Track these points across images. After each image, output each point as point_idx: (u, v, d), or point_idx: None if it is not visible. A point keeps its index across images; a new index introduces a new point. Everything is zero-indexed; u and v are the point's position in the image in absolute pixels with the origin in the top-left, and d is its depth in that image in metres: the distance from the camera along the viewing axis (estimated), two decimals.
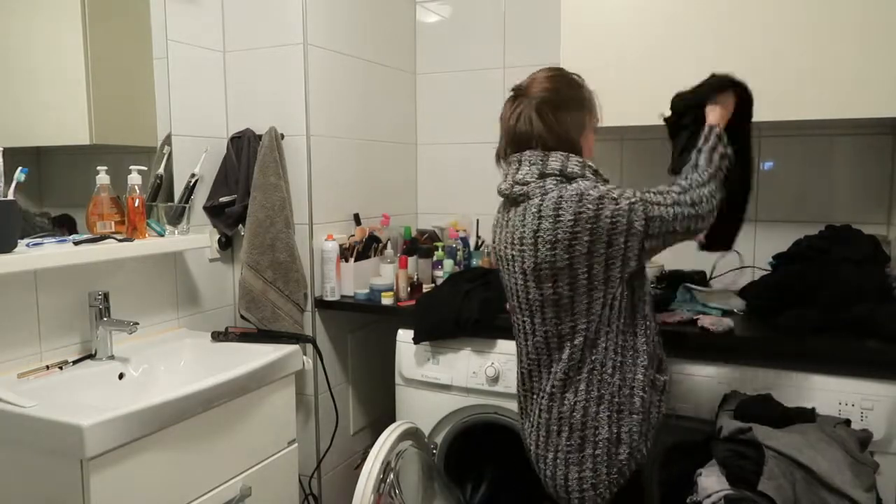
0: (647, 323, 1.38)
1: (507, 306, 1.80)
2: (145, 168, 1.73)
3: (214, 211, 2.04)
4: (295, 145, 2.04)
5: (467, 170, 2.56)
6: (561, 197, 1.29)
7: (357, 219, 2.26)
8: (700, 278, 2.07)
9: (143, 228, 1.69)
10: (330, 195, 2.15)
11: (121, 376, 1.63)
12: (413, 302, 2.06)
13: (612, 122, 1.92)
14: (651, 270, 2.09)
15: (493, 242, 1.48)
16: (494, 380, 1.84)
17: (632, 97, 1.86)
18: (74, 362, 1.60)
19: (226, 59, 2.10)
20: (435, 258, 2.23)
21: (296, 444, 1.79)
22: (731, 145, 1.41)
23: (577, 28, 1.91)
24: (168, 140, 1.88)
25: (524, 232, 1.34)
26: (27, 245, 1.46)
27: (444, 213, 2.59)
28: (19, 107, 1.55)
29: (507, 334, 1.66)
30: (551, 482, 1.40)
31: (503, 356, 1.83)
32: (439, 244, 2.28)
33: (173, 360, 1.74)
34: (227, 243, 2.11)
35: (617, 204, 1.28)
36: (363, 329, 2.33)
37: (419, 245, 2.30)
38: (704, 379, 1.65)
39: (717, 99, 1.46)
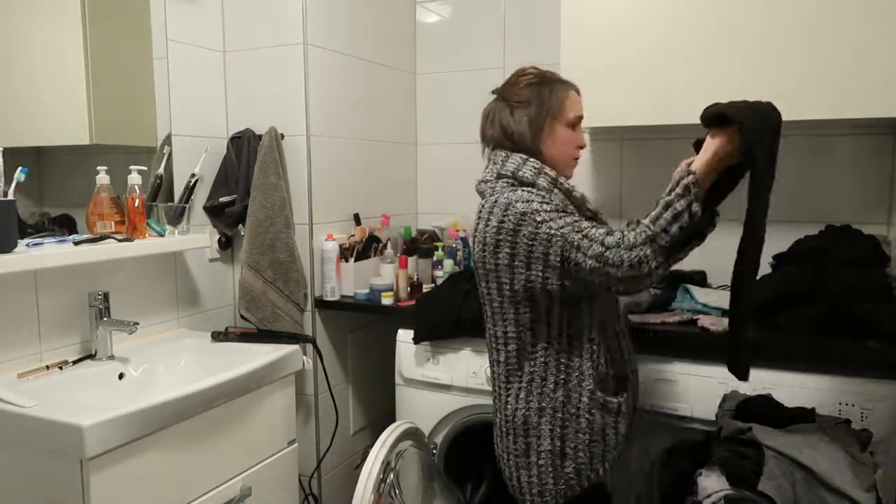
0: (595, 347, 1.34)
1: None
2: (145, 168, 1.73)
3: (214, 211, 2.04)
4: (295, 145, 2.04)
5: (467, 170, 2.55)
6: (496, 202, 1.30)
7: (357, 219, 2.26)
8: (700, 278, 2.07)
9: (143, 228, 1.69)
10: (330, 195, 2.15)
11: (121, 376, 1.63)
12: (413, 302, 2.06)
13: (612, 122, 1.93)
14: None
15: None
16: None
17: (632, 97, 1.86)
18: (74, 362, 1.60)
19: (226, 59, 2.10)
20: (435, 258, 2.23)
21: (296, 444, 1.79)
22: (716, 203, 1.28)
23: (577, 28, 1.91)
24: (168, 140, 1.88)
25: (475, 228, 1.37)
26: (27, 245, 1.46)
27: (444, 213, 2.59)
28: (19, 107, 1.55)
29: None
30: (509, 482, 1.41)
31: None
32: (439, 244, 2.28)
33: (173, 360, 1.74)
34: (227, 243, 2.11)
35: (536, 228, 1.24)
36: (363, 329, 2.33)
37: (419, 245, 2.30)
38: (704, 379, 1.65)
39: (719, 132, 1.26)
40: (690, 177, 1.22)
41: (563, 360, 1.34)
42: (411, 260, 2.18)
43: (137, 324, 1.62)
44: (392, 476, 1.70)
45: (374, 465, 1.64)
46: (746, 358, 1.26)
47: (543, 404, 1.34)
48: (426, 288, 2.15)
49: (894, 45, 1.61)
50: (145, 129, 1.84)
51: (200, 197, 2.01)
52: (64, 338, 1.63)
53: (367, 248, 2.19)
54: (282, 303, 2.00)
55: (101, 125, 1.70)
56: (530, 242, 1.25)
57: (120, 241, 1.62)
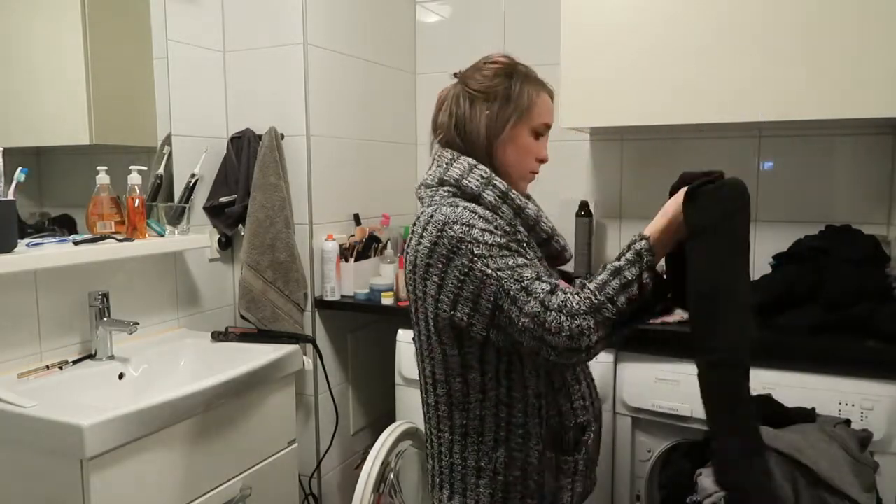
0: (543, 402, 1.14)
1: None
2: (145, 168, 1.73)
3: (214, 211, 2.04)
4: (295, 145, 2.04)
5: None
6: (431, 216, 1.10)
7: (357, 219, 2.26)
8: None
9: (143, 228, 1.69)
10: (330, 195, 2.15)
11: (121, 376, 1.63)
12: None
13: (612, 122, 1.93)
14: None
15: None
16: None
17: (632, 97, 1.86)
18: (74, 362, 1.60)
19: (226, 59, 2.10)
20: None
21: (296, 444, 1.79)
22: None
23: (577, 28, 1.91)
24: (168, 140, 1.88)
25: (407, 242, 1.17)
26: (27, 245, 1.46)
27: None
28: (19, 107, 1.55)
29: None
30: None
31: None
32: None
33: (173, 360, 1.74)
34: (227, 243, 2.11)
35: (471, 262, 1.05)
36: (363, 329, 2.33)
37: None
38: None
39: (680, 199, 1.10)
40: (643, 242, 1.06)
41: (502, 416, 1.13)
42: None
43: (137, 324, 1.62)
44: (392, 476, 1.70)
45: (374, 465, 1.64)
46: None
47: (482, 464, 1.15)
48: None
49: (894, 45, 1.61)
50: (145, 129, 1.84)
51: (200, 197, 2.01)
52: (64, 338, 1.63)
53: (367, 248, 2.19)
54: (282, 303, 2.00)
55: (101, 125, 1.70)
56: (462, 277, 1.05)
57: (120, 241, 1.62)
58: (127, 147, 1.80)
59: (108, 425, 1.25)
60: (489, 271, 1.05)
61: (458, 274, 1.06)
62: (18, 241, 1.42)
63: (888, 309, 1.56)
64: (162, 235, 1.76)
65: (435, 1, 2.57)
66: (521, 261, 1.06)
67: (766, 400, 1.52)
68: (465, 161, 1.16)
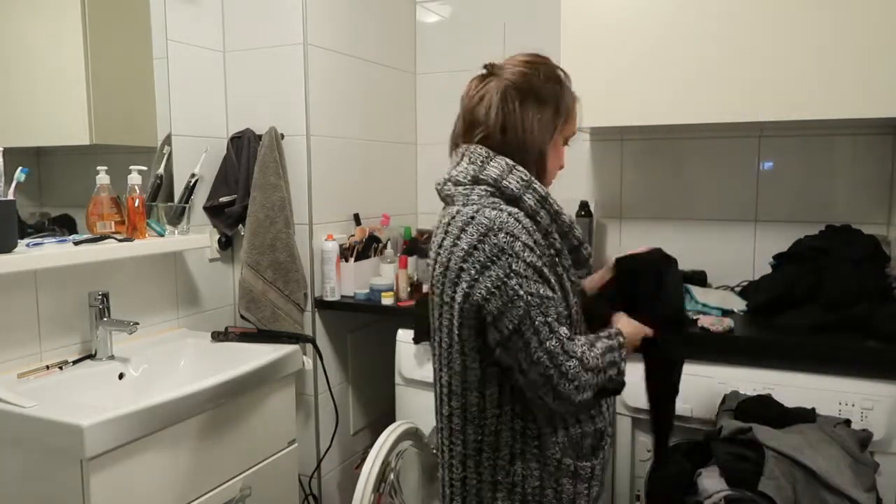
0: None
1: None
2: (145, 168, 1.73)
3: (214, 211, 2.04)
4: (295, 145, 2.03)
5: None
6: (472, 218, 1.06)
7: (357, 219, 2.26)
8: (700, 278, 2.07)
9: (143, 228, 1.69)
10: (330, 195, 2.15)
11: (121, 376, 1.63)
12: (413, 302, 2.06)
13: (612, 122, 1.93)
14: None
15: None
16: None
17: (632, 97, 1.87)
18: (74, 362, 1.60)
19: (226, 59, 2.10)
20: None
21: (296, 444, 1.79)
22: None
23: (577, 28, 1.91)
24: (168, 140, 1.88)
25: (435, 241, 1.13)
26: (27, 245, 1.46)
27: None
28: (19, 107, 1.55)
29: None
30: None
31: None
32: None
33: (173, 360, 1.74)
34: (227, 243, 2.11)
35: (507, 278, 1.02)
36: (363, 329, 2.33)
37: (419, 245, 2.30)
38: (704, 379, 1.65)
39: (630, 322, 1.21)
40: (621, 337, 1.16)
41: (517, 428, 1.11)
42: (411, 260, 2.18)
43: (137, 324, 1.62)
44: (392, 476, 1.70)
45: (374, 465, 1.64)
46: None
47: (498, 478, 1.13)
48: (426, 288, 2.15)
49: (894, 45, 1.61)
50: (145, 129, 1.84)
51: (200, 197, 2.01)
52: (64, 338, 1.63)
53: (367, 248, 2.19)
54: (282, 303, 2.00)
55: (101, 125, 1.70)
56: (492, 289, 1.03)
57: (120, 241, 1.62)
58: (127, 147, 1.80)
59: (108, 425, 1.25)
60: (521, 293, 1.03)
61: (489, 285, 1.03)
62: (18, 241, 1.42)
63: (888, 309, 1.56)
64: (162, 235, 1.76)
65: (435, 1, 2.57)
66: (550, 293, 1.06)
67: (766, 400, 1.52)
68: (503, 161, 1.11)
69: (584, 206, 2.17)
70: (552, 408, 1.07)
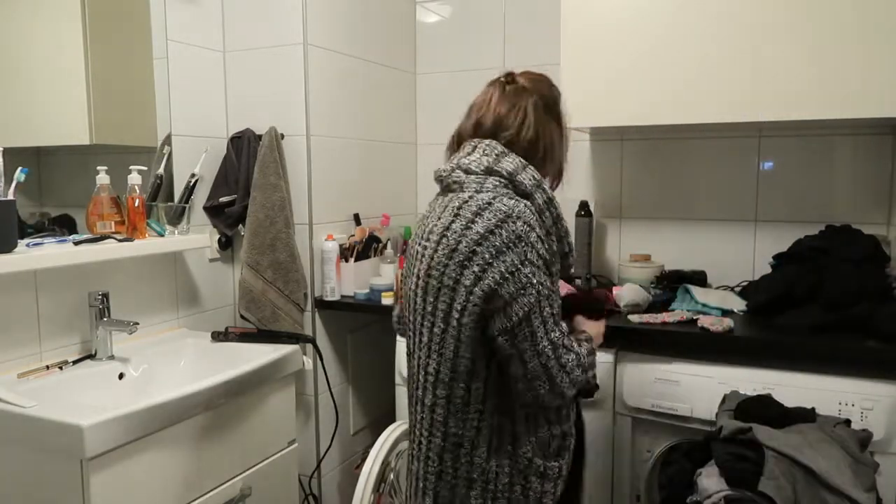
0: (535, 411, 1.17)
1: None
2: (145, 168, 1.73)
3: (214, 211, 2.04)
4: (295, 145, 2.04)
5: None
6: (489, 204, 1.08)
7: (357, 219, 2.26)
8: (700, 278, 2.07)
9: (143, 228, 1.69)
10: (330, 195, 2.15)
11: (121, 376, 1.63)
12: None
13: (612, 122, 1.93)
14: (650, 270, 2.09)
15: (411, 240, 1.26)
16: None
17: (632, 97, 1.87)
18: (74, 362, 1.60)
19: (226, 59, 2.10)
20: None
21: (296, 444, 1.79)
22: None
23: (577, 28, 1.92)
24: (168, 140, 1.89)
25: (436, 225, 1.13)
26: (27, 245, 1.46)
27: None
28: (19, 107, 1.55)
29: None
30: None
31: None
32: None
33: (173, 360, 1.74)
34: (227, 243, 2.11)
35: (521, 265, 1.05)
36: (363, 329, 2.33)
37: None
38: (704, 379, 1.65)
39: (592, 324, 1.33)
40: (592, 343, 1.24)
41: (495, 424, 1.14)
42: None
43: (137, 324, 1.62)
44: (392, 476, 1.70)
45: (374, 465, 1.64)
46: None
47: (474, 475, 1.14)
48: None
49: (894, 45, 1.61)
50: (145, 129, 1.84)
51: (200, 197, 2.01)
52: (64, 338, 1.63)
53: (367, 248, 2.19)
54: (282, 303, 2.00)
55: (101, 125, 1.70)
56: (506, 275, 1.05)
57: (120, 241, 1.62)
58: (127, 147, 1.80)
59: (108, 425, 1.25)
60: (534, 280, 1.06)
61: (503, 269, 1.05)
62: (18, 241, 1.42)
63: (888, 309, 1.56)
64: (162, 235, 1.76)
65: (435, 1, 2.57)
66: (554, 287, 1.11)
67: (767, 400, 1.52)
68: (518, 158, 1.16)
69: (584, 206, 2.17)
70: (542, 400, 1.10)
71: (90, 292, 1.63)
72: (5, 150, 1.39)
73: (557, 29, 1.94)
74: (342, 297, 2.11)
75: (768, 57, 1.72)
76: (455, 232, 1.09)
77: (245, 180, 2.01)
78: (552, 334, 1.08)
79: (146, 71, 1.84)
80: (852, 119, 1.69)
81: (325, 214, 2.13)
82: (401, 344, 1.99)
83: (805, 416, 1.46)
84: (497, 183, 1.12)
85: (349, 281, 2.11)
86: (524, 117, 1.18)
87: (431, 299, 1.13)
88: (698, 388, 1.65)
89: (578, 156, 2.32)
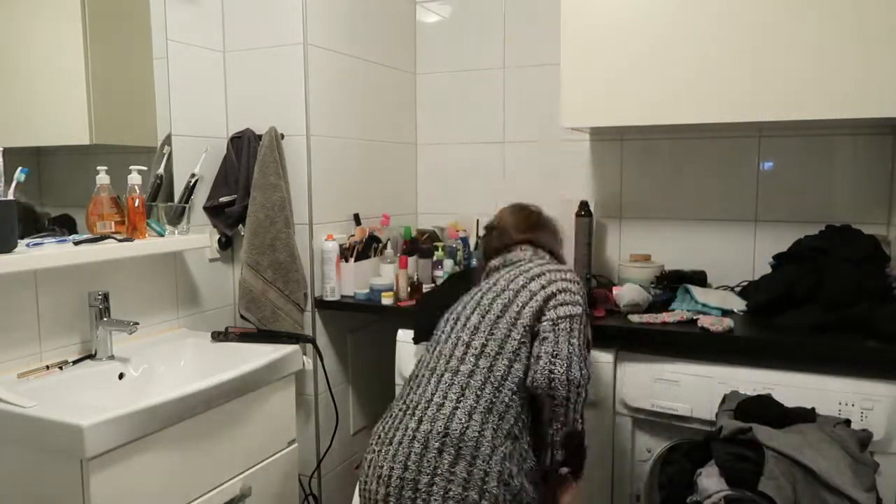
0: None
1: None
2: (145, 168, 1.73)
3: (214, 211, 2.04)
4: (295, 145, 2.04)
5: (467, 170, 2.56)
6: (565, 278, 1.48)
7: (357, 219, 2.26)
8: (700, 278, 2.07)
9: (143, 228, 1.69)
10: (330, 195, 2.15)
11: (121, 376, 1.63)
12: (413, 302, 2.06)
13: (612, 122, 1.93)
14: (650, 270, 2.09)
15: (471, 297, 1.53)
16: None
17: (632, 97, 1.87)
18: (74, 362, 1.60)
19: (226, 59, 2.10)
20: (435, 258, 2.23)
21: (296, 444, 1.79)
22: None
23: (577, 28, 1.92)
24: (168, 140, 1.88)
25: (536, 272, 1.49)
26: (27, 245, 1.46)
27: (444, 213, 2.59)
28: (19, 107, 1.55)
29: None
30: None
31: None
32: (439, 244, 2.28)
33: (173, 360, 1.74)
34: (227, 243, 2.11)
35: (575, 292, 1.45)
36: (363, 329, 2.33)
37: (419, 245, 2.30)
38: (704, 379, 1.65)
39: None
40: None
41: (522, 417, 1.36)
42: (411, 260, 2.18)
43: (137, 324, 1.62)
44: None
45: None
46: None
47: (496, 443, 1.30)
48: (426, 288, 2.15)
49: (894, 45, 1.61)
50: (145, 129, 1.84)
51: (200, 197, 2.01)
52: (64, 338, 1.63)
53: (367, 248, 2.19)
54: (282, 303, 2.00)
55: (101, 125, 1.70)
56: (564, 288, 1.45)
57: (120, 241, 1.62)
58: (127, 147, 1.80)
59: (108, 425, 1.25)
60: (582, 304, 1.46)
61: (562, 285, 1.46)
62: (18, 241, 1.42)
63: (888, 309, 1.56)
64: (162, 235, 1.76)
65: (435, 1, 2.57)
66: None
67: (767, 400, 1.52)
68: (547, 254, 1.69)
69: (583, 206, 2.17)
70: (554, 381, 1.33)
71: (90, 292, 1.63)
72: (5, 150, 1.39)
73: (557, 29, 1.94)
74: (342, 297, 2.11)
75: (768, 57, 1.72)
76: (527, 270, 1.50)
77: (245, 180, 2.01)
78: (581, 347, 1.39)
79: (146, 71, 1.84)
80: (852, 119, 1.70)
81: (325, 214, 2.13)
82: (401, 344, 1.99)
83: (805, 416, 1.46)
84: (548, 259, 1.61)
85: (349, 281, 2.11)
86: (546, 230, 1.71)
87: (491, 296, 1.46)
88: (698, 388, 1.65)
89: (578, 156, 2.32)
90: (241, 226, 2.04)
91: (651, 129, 2.15)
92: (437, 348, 1.46)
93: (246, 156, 2.01)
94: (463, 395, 1.34)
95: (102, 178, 1.63)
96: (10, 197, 1.40)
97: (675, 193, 2.21)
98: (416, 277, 2.16)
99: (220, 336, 1.84)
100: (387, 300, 2.06)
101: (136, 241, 1.65)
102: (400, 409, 1.39)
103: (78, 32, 1.65)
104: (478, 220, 2.45)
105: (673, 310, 1.84)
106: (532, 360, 1.37)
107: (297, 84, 2.01)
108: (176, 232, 1.81)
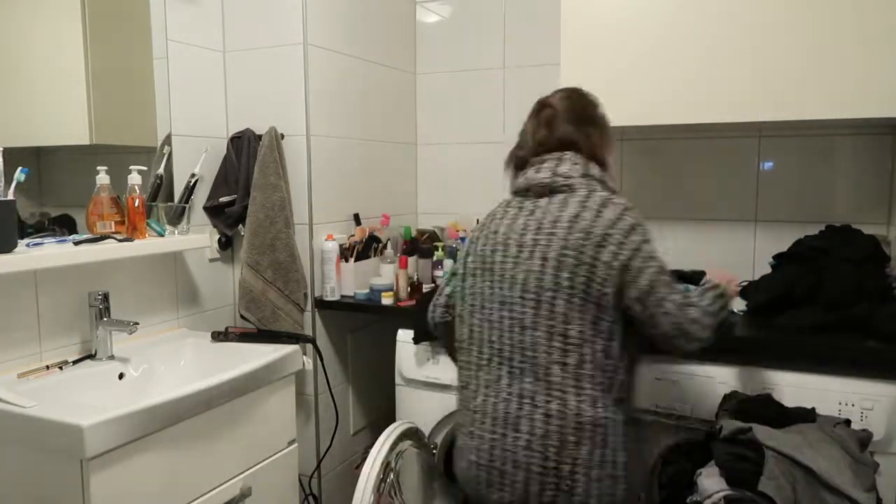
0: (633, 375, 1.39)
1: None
2: (145, 168, 1.73)
3: (214, 211, 2.04)
4: (295, 145, 2.04)
5: (467, 170, 2.56)
6: (609, 198, 1.33)
7: (357, 219, 2.26)
8: (700, 278, 2.07)
9: (143, 228, 1.69)
10: (330, 195, 2.15)
11: (121, 376, 1.63)
12: (413, 302, 2.06)
13: (612, 122, 1.92)
14: None
15: (494, 233, 1.40)
16: None
17: (632, 97, 1.86)
18: (74, 362, 1.60)
19: (226, 59, 2.10)
20: (435, 258, 2.23)
21: (296, 444, 1.79)
22: None
23: (577, 28, 1.92)
24: (168, 140, 1.88)
25: (560, 216, 1.32)
26: (27, 245, 1.46)
27: (444, 213, 2.59)
28: (19, 107, 1.55)
29: None
30: (567, 492, 1.28)
31: None
32: (439, 244, 2.28)
33: (173, 360, 1.74)
34: (227, 243, 2.11)
35: (644, 243, 1.30)
36: (363, 329, 2.33)
37: (419, 245, 2.30)
38: (704, 379, 1.65)
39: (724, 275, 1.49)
40: (718, 288, 1.40)
41: (623, 375, 1.33)
42: (411, 260, 2.18)
43: (137, 324, 1.62)
44: (392, 476, 1.70)
45: (374, 465, 1.64)
46: None
47: (618, 417, 1.31)
48: (426, 288, 2.15)
49: (894, 45, 1.61)
50: (145, 129, 1.84)
51: (200, 197, 2.01)
52: (64, 338, 1.63)
53: (367, 248, 2.19)
54: (282, 303, 2.00)
55: (101, 125, 1.70)
56: (635, 250, 1.28)
57: (120, 241, 1.62)
58: (127, 147, 1.80)
59: (108, 425, 1.25)
60: (655, 255, 1.30)
61: (632, 247, 1.28)
62: (18, 241, 1.42)
63: (888, 309, 1.56)
64: (162, 235, 1.76)
65: (435, 1, 2.57)
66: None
67: (766, 400, 1.52)
68: (597, 167, 1.41)
69: None
70: (683, 350, 1.31)
71: (90, 292, 1.63)
72: (5, 150, 1.39)
73: (557, 29, 1.94)
74: (342, 297, 2.11)
75: (768, 57, 1.72)
76: (586, 220, 1.30)
77: (245, 180, 2.01)
78: (674, 296, 1.28)
79: (146, 71, 1.84)
80: (852, 119, 1.69)
81: (325, 214, 2.13)
82: (401, 344, 1.99)
83: (805, 416, 1.46)
84: (597, 185, 1.37)
85: (349, 281, 2.11)
86: (562, 133, 1.42)
87: (567, 275, 1.29)
88: (698, 388, 1.65)
89: None
90: (241, 226, 2.04)
91: (651, 129, 2.15)
92: (503, 336, 1.39)
93: (246, 156, 2.01)
94: (580, 386, 1.35)
95: (102, 178, 1.63)
96: (10, 197, 1.40)
97: (674, 193, 2.21)
98: (416, 277, 2.16)
99: (220, 336, 1.84)
100: (387, 300, 2.06)
101: (136, 241, 1.65)
102: None
103: (78, 32, 1.65)
104: (477, 220, 2.44)
105: None
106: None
107: (297, 84, 2.01)
108: (176, 232, 1.81)
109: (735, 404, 1.51)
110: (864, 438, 1.40)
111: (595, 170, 1.39)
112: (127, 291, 1.77)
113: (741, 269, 2.10)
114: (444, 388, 1.92)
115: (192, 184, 1.91)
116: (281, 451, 1.74)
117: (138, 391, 1.59)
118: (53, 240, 1.55)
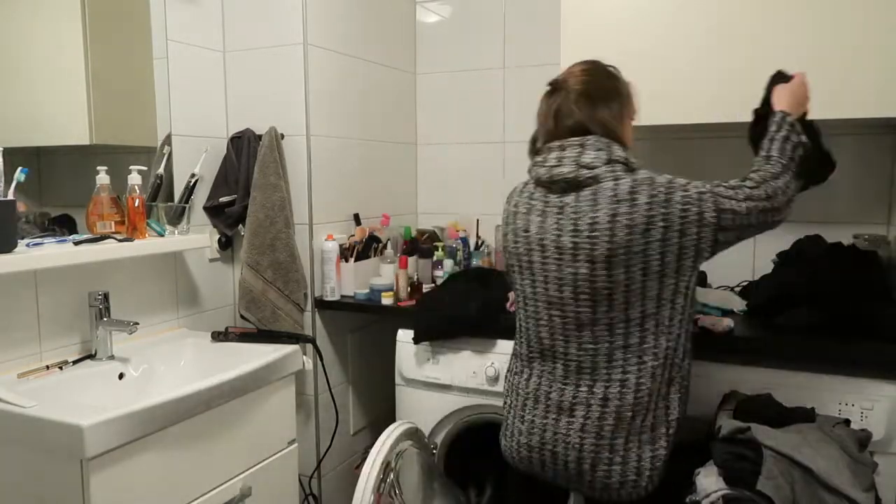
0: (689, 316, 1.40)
1: (509, 304, 1.83)
2: (145, 168, 1.73)
3: (214, 211, 2.04)
4: (295, 145, 2.04)
5: (467, 170, 2.56)
6: (635, 180, 1.29)
7: (357, 219, 2.26)
8: (700, 278, 2.07)
9: (143, 228, 1.69)
10: (330, 195, 2.15)
11: (121, 376, 1.63)
12: (413, 302, 2.06)
13: None
14: None
15: (525, 233, 1.38)
16: (494, 380, 1.84)
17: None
18: (74, 362, 1.60)
19: (226, 59, 2.10)
20: (435, 258, 2.23)
21: (296, 444, 1.79)
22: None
23: (577, 28, 1.91)
24: (168, 140, 1.89)
25: (597, 217, 1.29)
26: (27, 245, 1.46)
27: (444, 213, 2.59)
28: (19, 107, 1.55)
29: (508, 334, 1.65)
30: (621, 465, 1.32)
31: (503, 356, 1.83)
32: (439, 244, 2.28)
33: (173, 360, 1.74)
34: (227, 243, 2.11)
35: (686, 191, 1.27)
36: (363, 329, 2.33)
37: (419, 245, 2.30)
38: (704, 379, 1.65)
39: (785, 87, 1.48)
40: (787, 116, 1.41)
41: (685, 329, 1.36)
42: (411, 260, 2.18)
43: (137, 324, 1.62)
44: (392, 476, 1.70)
45: (374, 465, 1.64)
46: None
47: (673, 374, 1.34)
48: (426, 288, 2.15)
49: (894, 45, 1.61)
50: (145, 129, 1.84)
51: (200, 197, 2.01)
52: (64, 338, 1.63)
53: (367, 248, 2.19)
54: (282, 303, 2.01)
55: (101, 125, 1.70)
56: (684, 207, 1.26)
57: (120, 241, 1.62)
58: (127, 147, 1.80)
59: (108, 425, 1.25)
60: (702, 189, 1.28)
61: (680, 208, 1.26)
62: (18, 241, 1.42)
63: (888, 309, 1.56)
64: (162, 235, 1.76)
65: (435, 1, 2.57)
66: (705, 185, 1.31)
67: (766, 399, 1.52)
68: (617, 145, 1.35)
69: None
70: (783, 217, 1.34)
71: (90, 292, 1.63)
72: (5, 150, 1.39)
73: (557, 29, 1.94)
74: (342, 297, 2.11)
75: (768, 57, 1.72)
76: (625, 214, 1.27)
77: (245, 180, 2.01)
78: (742, 192, 1.30)
79: (146, 71, 1.84)
80: (852, 119, 1.69)
81: (325, 214, 2.13)
82: (401, 344, 1.99)
83: (804, 416, 1.46)
84: (621, 169, 1.31)
85: (349, 281, 2.11)
86: (572, 114, 1.36)
87: (622, 269, 1.28)
88: (698, 388, 1.65)
89: None
90: (241, 226, 2.04)
91: (651, 130, 2.15)
92: (584, 318, 1.41)
93: (246, 156, 2.01)
94: (641, 360, 1.37)
95: (102, 178, 1.63)
96: (10, 197, 1.40)
97: None
98: (416, 277, 2.16)
99: (220, 336, 1.84)
100: (387, 300, 2.06)
101: (136, 241, 1.65)
102: None
103: (78, 32, 1.65)
104: (477, 220, 2.45)
105: None
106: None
107: (297, 84, 2.01)
108: (176, 232, 1.81)
109: (734, 404, 1.51)
110: (864, 438, 1.40)
111: (618, 151, 1.34)
112: (127, 291, 1.78)
113: (741, 269, 2.10)
114: (444, 388, 1.92)
115: (192, 184, 1.91)
116: (281, 451, 1.74)
117: (138, 391, 1.59)
118: (53, 240, 1.55)
